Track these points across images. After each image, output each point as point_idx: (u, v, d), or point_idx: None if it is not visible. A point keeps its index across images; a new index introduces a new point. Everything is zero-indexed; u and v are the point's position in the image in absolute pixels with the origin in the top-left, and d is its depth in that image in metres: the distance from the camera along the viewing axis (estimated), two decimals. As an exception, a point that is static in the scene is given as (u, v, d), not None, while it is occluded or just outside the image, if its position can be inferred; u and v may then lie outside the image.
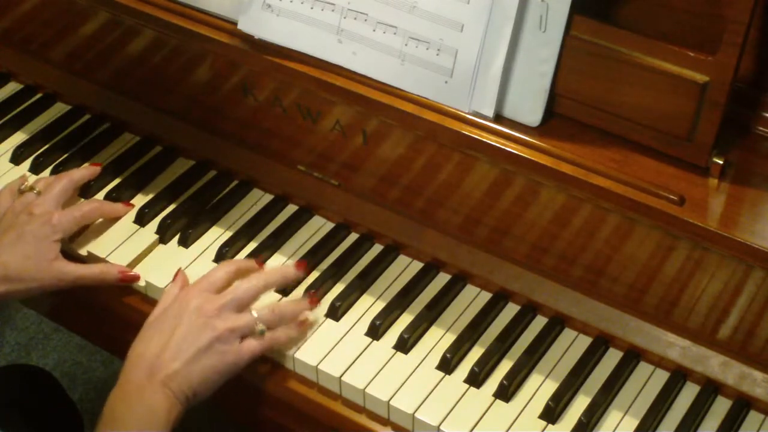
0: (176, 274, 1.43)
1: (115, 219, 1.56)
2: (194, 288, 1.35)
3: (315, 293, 1.43)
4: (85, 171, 1.59)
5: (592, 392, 1.35)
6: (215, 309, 1.32)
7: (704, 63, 1.25)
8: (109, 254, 1.51)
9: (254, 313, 1.34)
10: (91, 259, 1.52)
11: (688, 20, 1.30)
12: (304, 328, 1.39)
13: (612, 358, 1.39)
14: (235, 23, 1.48)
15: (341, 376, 1.36)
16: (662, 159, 1.32)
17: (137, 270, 1.49)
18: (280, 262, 1.50)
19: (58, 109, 1.78)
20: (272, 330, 1.36)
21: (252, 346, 1.33)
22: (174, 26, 1.53)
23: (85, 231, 1.54)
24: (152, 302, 1.48)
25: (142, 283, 1.48)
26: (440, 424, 1.31)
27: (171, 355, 1.28)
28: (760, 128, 1.34)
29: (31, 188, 1.52)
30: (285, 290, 1.46)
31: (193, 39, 1.53)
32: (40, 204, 1.48)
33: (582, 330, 1.42)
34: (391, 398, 1.34)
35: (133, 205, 1.58)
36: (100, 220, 1.56)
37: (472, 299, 1.47)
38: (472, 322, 1.43)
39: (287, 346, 1.38)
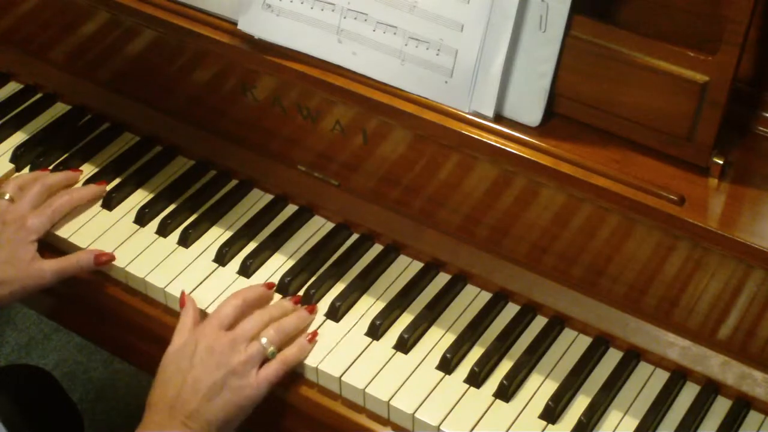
0: (182, 300, 1.43)
1: (89, 204, 1.57)
2: (205, 326, 1.36)
3: (313, 304, 1.45)
4: (61, 176, 1.60)
5: (592, 392, 1.35)
6: (226, 345, 1.33)
7: (704, 63, 1.25)
8: (109, 254, 1.51)
9: (262, 339, 1.35)
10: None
11: (688, 20, 1.30)
12: (314, 341, 1.39)
13: (612, 358, 1.40)
14: (235, 23, 1.48)
15: (341, 376, 1.36)
16: (662, 159, 1.32)
17: (137, 271, 1.49)
18: (280, 262, 1.50)
19: (58, 109, 1.78)
20: (283, 351, 1.37)
21: (268, 374, 1.34)
22: (174, 26, 1.53)
23: (86, 231, 1.54)
24: (152, 302, 1.48)
25: (139, 274, 1.48)
26: (440, 424, 1.31)
27: (189, 394, 1.29)
28: (760, 128, 1.34)
29: (1, 195, 1.53)
30: (286, 293, 1.47)
31: (193, 39, 1.53)
32: (12, 211, 1.51)
33: (582, 330, 1.42)
34: (391, 398, 1.34)
35: (105, 184, 1.59)
36: (98, 218, 1.56)
37: (472, 299, 1.47)
38: (472, 322, 1.43)
39: (302, 361, 1.38)
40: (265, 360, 1.35)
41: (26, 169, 1.66)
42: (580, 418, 1.31)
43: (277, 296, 1.46)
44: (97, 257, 1.48)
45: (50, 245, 1.54)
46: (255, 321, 1.37)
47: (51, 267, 1.47)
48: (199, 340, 1.34)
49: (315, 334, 1.40)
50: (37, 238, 1.49)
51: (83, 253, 1.50)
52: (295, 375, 1.39)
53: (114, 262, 1.50)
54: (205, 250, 1.53)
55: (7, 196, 1.53)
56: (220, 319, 1.37)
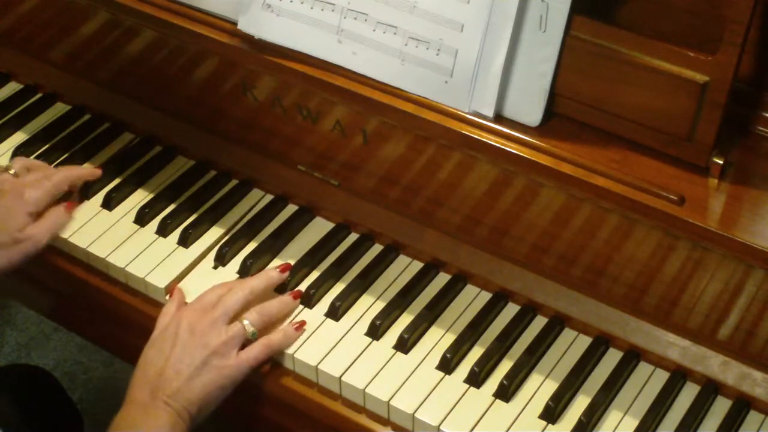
0: (172, 291, 1.44)
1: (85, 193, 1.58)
2: (188, 308, 1.38)
3: (297, 289, 1.45)
4: (62, 176, 1.57)
5: (592, 392, 1.35)
6: (207, 326, 1.35)
7: (704, 63, 1.25)
8: (109, 254, 1.51)
9: (244, 321, 1.36)
10: (92, 259, 1.52)
11: (688, 20, 1.30)
12: (301, 330, 1.40)
13: (612, 358, 1.40)
14: (235, 23, 1.48)
15: (341, 376, 1.36)
16: (662, 159, 1.32)
17: (137, 271, 1.49)
18: (279, 262, 1.50)
19: (58, 109, 1.78)
20: (267, 335, 1.38)
21: (249, 356, 1.35)
22: (174, 26, 1.53)
23: (86, 231, 1.54)
24: (153, 302, 1.48)
25: (139, 274, 1.49)
26: (440, 424, 1.31)
27: (170, 374, 1.31)
28: (760, 128, 1.34)
29: (7, 169, 1.52)
30: (283, 290, 1.47)
31: (193, 39, 1.53)
32: (11, 182, 1.49)
33: (582, 330, 1.42)
34: (391, 398, 1.34)
35: (101, 170, 1.59)
36: (98, 218, 1.56)
37: (472, 299, 1.47)
38: (472, 322, 1.43)
39: (287, 348, 1.39)
40: (246, 342, 1.36)
41: (26, 169, 1.67)
42: (580, 418, 1.31)
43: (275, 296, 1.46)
44: (67, 206, 1.48)
45: (50, 245, 1.54)
46: (236, 297, 1.38)
47: (37, 233, 1.44)
48: (180, 322, 1.35)
49: (303, 323, 1.40)
50: (35, 210, 1.46)
51: (57, 211, 1.48)
52: (294, 374, 1.39)
53: (114, 262, 1.50)
54: (205, 250, 1.53)
55: (12, 171, 1.52)
56: (203, 303, 1.38)
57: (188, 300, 1.43)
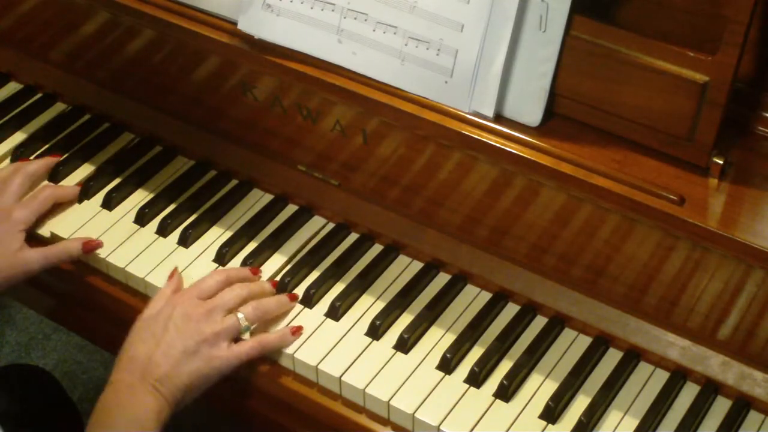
0: (171, 274, 1.44)
1: (71, 202, 1.58)
2: (184, 294, 1.38)
3: (293, 293, 1.46)
4: (41, 163, 1.61)
5: (592, 392, 1.35)
6: (202, 314, 1.35)
7: (704, 63, 1.25)
8: (109, 254, 1.51)
9: (239, 314, 1.36)
10: (92, 260, 1.52)
11: (688, 20, 1.30)
12: (298, 334, 1.40)
13: (612, 358, 1.40)
14: (235, 23, 1.48)
15: (341, 376, 1.36)
16: (662, 159, 1.32)
17: (137, 271, 1.49)
18: (280, 262, 1.50)
19: (58, 109, 1.78)
20: (263, 334, 1.38)
21: (240, 351, 1.35)
22: (174, 26, 1.53)
23: (87, 231, 1.54)
24: (152, 302, 1.48)
25: (139, 274, 1.49)
26: (440, 424, 1.31)
27: (160, 358, 1.31)
28: (760, 128, 1.34)
29: None
30: (283, 291, 1.47)
31: (193, 39, 1.53)
32: None
33: (582, 330, 1.42)
34: (391, 398, 1.34)
35: (80, 186, 1.60)
36: (98, 218, 1.56)
37: (472, 299, 1.47)
38: (472, 322, 1.43)
39: (280, 349, 1.39)
40: (239, 337, 1.36)
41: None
42: (580, 418, 1.32)
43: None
44: (85, 245, 1.49)
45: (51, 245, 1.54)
46: (234, 293, 1.39)
47: (38, 258, 1.47)
48: (176, 306, 1.35)
49: (300, 328, 1.40)
50: (25, 228, 1.50)
51: (71, 241, 1.51)
52: (294, 374, 1.39)
53: (114, 262, 1.50)
54: (205, 250, 1.53)
55: None
56: (201, 289, 1.39)
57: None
